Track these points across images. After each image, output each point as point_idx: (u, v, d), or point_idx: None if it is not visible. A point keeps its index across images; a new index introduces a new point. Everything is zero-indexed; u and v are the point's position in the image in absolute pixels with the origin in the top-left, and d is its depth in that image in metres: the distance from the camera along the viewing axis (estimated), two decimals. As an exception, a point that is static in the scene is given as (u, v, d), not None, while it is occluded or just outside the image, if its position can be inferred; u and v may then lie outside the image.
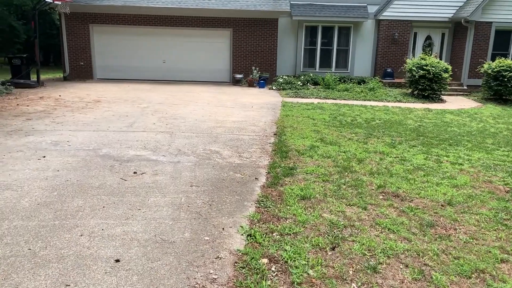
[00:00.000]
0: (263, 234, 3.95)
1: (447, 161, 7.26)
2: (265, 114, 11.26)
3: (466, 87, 18.23)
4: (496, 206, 5.01)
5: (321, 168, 6.22)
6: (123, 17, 17.49)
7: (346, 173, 6.02)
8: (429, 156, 7.53)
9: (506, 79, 15.71)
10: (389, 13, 18.48)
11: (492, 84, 16.07)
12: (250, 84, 17.62)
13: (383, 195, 5.18)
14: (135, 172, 5.73)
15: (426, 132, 10.08)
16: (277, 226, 4.11)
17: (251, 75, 17.73)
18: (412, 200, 5.09)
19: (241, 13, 17.35)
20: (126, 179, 5.43)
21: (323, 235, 3.94)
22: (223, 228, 4.05)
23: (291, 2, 18.17)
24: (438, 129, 10.68)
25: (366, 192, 5.24)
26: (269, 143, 7.81)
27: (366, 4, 18.72)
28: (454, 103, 15.94)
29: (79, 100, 12.52)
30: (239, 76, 17.85)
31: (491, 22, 17.80)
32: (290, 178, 5.66)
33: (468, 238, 4.09)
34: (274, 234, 3.94)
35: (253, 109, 12.20)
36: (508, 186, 5.85)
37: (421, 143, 8.69)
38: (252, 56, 18.06)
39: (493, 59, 17.56)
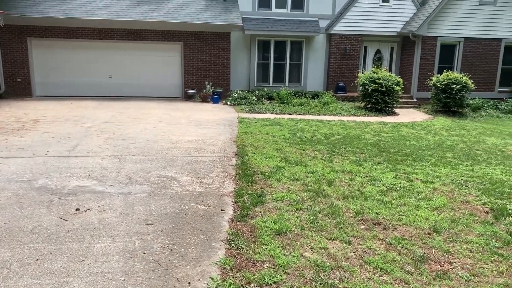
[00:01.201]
0: (239, 288, 3.29)
1: (417, 179, 6.98)
2: (222, 132, 10.64)
3: (416, 100, 18.60)
4: (483, 231, 4.70)
5: (291, 193, 5.69)
6: (65, 30, 16.30)
7: (319, 198, 5.53)
8: (398, 174, 7.24)
9: (454, 92, 16.13)
10: (340, 28, 18.58)
11: (441, 96, 16.44)
12: (204, 100, 16.95)
13: (363, 224, 4.72)
14: (77, 209, 4.88)
15: (387, 147, 9.90)
16: (254, 274, 3.48)
17: (204, 90, 17.07)
18: (395, 228, 4.67)
19: (192, 26, 16.73)
20: (66, 218, 4.59)
21: (310, 283, 3.37)
22: (189, 283, 3.36)
23: (243, 16, 17.80)
24: (397, 143, 10.55)
25: (345, 221, 4.76)
26: (231, 165, 7.19)
27: (317, 19, 18.72)
28: (407, 115, 16.13)
29: (15, 121, 11.28)
30: (191, 91, 17.13)
31: (437, 37, 18.34)
32: (260, 207, 5.07)
33: (468, 275, 3.70)
34: (252, 287, 3.30)
35: (209, 126, 11.55)
36: (486, 206, 5.61)
37: (385, 160, 8.43)
38: (205, 70, 17.43)
39: (439, 72, 18.08)
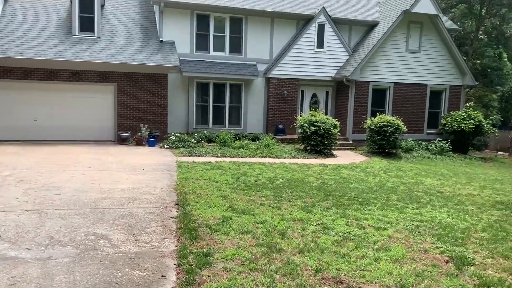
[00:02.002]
0: None
1: (369, 225, 6.71)
2: (160, 178, 9.89)
3: (351, 142, 19.02)
4: (450, 285, 4.40)
5: (242, 249, 5.11)
6: (-17, 68, 14.94)
7: (274, 254, 5.00)
8: (349, 220, 6.94)
9: (387, 134, 16.67)
10: (278, 72, 18.82)
11: (376, 138, 16.91)
12: (139, 143, 16.05)
13: (326, 284, 4.23)
14: (-18, 283, 3.96)
15: (331, 190, 9.69)
16: None
17: (139, 133, 16.21)
18: (360, 287, 4.23)
19: (127, 67, 16.04)
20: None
21: None
22: None
23: (181, 58, 17.45)
24: (341, 186, 10.41)
25: (305, 283, 4.26)
26: (172, 218, 6.48)
27: (255, 63, 18.85)
28: (345, 157, 16.32)
29: None
30: (125, 134, 16.19)
31: (369, 82, 19.14)
32: (208, 270, 4.42)
33: None
34: None
35: (145, 171, 10.74)
36: (445, 254, 5.40)
37: (333, 204, 8.15)
38: (140, 112, 16.64)
39: (372, 115, 18.73)
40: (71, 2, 16.54)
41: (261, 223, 6.33)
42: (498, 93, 24.72)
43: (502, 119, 26.20)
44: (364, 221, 6.96)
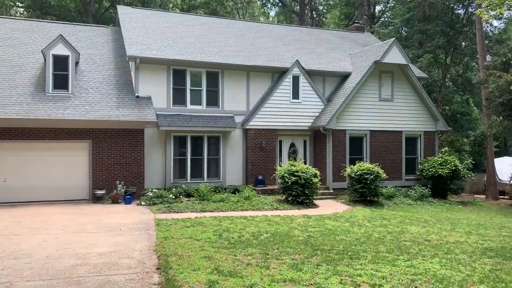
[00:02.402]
0: None
1: (364, 282, 6.41)
2: (138, 239, 9.38)
3: (332, 190, 18.90)
4: None
5: (233, 319, 4.70)
6: (-50, 128, 14.36)
7: (268, 323, 4.61)
8: (342, 278, 6.62)
9: (368, 182, 16.65)
10: (255, 123, 18.87)
11: (357, 186, 16.85)
12: (115, 201, 15.46)
13: None
14: None
15: (319, 244, 9.38)
16: None
17: (115, 190, 15.65)
18: None
19: (103, 123, 15.76)
20: None
21: None
22: None
23: (158, 113, 17.31)
24: (328, 239, 10.12)
25: None
26: (154, 284, 6.02)
27: (233, 115, 18.89)
28: (327, 207, 16.10)
29: None
30: (100, 192, 15.60)
31: (345, 130, 19.38)
32: None
33: None
34: None
35: (123, 232, 10.20)
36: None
37: (323, 260, 7.82)
38: (116, 169, 16.17)
39: (351, 163, 18.81)
40: (45, 60, 16.41)
41: (251, 287, 5.93)
42: (470, 137, 25.42)
43: (474, 162, 26.81)
44: (358, 277, 6.65)
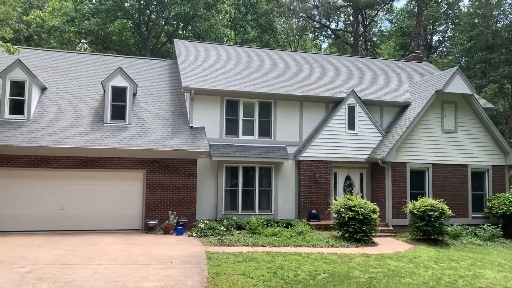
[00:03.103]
0: None
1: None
2: (190, 273, 8.97)
3: (392, 227, 17.70)
4: None
5: None
6: (15, 158, 14.98)
7: None
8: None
9: (432, 219, 15.41)
10: (308, 154, 18.30)
11: (420, 224, 15.64)
12: (167, 231, 15.27)
13: None
14: None
15: (383, 288, 8.50)
16: None
17: (167, 221, 15.50)
18: None
19: (157, 153, 15.86)
20: None
21: None
22: None
23: (211, 143, 17.24)
24: (392, 282, 9.20)
25: None
26: (206, 328, 5.53)
27: (285, 145, 18.47)
28: (387, 245, 15.00)
29: None
30: (153, 222, 15.51)
31: (406, 163, 18.30)
32: None
33: None
34: None
35: (174, 265, 9.85)
36: None
37: (391, 307, 6.99)
38: (169, 199, 16.09)
39: (412, 198, 17.61)
40: (104, 91, 16.95)
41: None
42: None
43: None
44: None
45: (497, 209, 18.08)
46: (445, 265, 11.83)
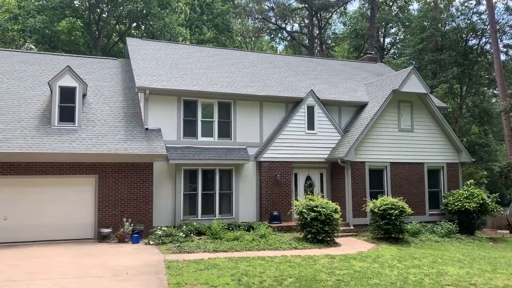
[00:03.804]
0: None
1: None
2: (148, 285, 8.31)
3: (353, 227, 17.68)
4: None
5: None
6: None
7: None
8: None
9: (393, 217, 15.49)
10: (269, 155, 17.95)
11: (381, 223, 15.68)
12: (121, 240, 14.39)
13: None
14: None
15: (352, 291, 8.23)
16: None
17: (122, 229, 14.61)
18: None
19: (110, 157, 14.94)
20: None
21: None
22: None
23: (168, 145, 16.49)
24: (360, 284, 8.97)
25: None
26: None
27: (246, 147, 18.03)
28: (349, 245, 14.91)
29: None
30: (106, 230, 14.57)
31: (365, 162, 18.37)
32: None
33: None
34: None
35: (130, 277, 9.13)
36: None
37: (363, 312, 6.69)
38: (123, 205, 15.20)
39: (372, 197, 17.69)
40: (51, 92, 15.81)
41: None
42: (495, 169, 24.20)
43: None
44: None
45: (452, 206, 18.52)
46: (409, 264, 11.80)
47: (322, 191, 18.97)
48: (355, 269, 10.68)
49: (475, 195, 18.24)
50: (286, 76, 21.01)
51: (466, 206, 17.93)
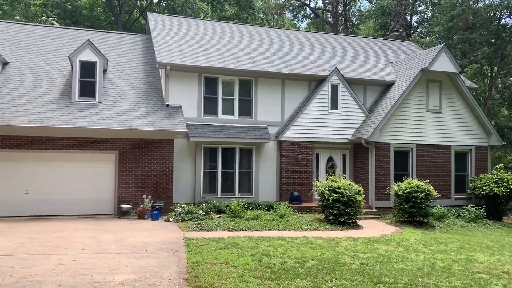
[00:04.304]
0: None
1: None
2: (167, 263, 8.12)
3: (375, 209, 17.25)
4: None
5: None
6: (-30, 137, 13.65)
7: None
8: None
9: (418, 201, 14.97)
10: (290, 134, 17.52)
11: (405, 206, 15.18)
12: (141, 216, 14.33)
13: None
14: None
15: (378, 275, 7.89)
16: None
17: (142, 205, 14.54)
18: None
19: (130, 133, 14.78)
20: None
21: None
22: None
23: (188, 123, 16.24)
24: (386, 268, 8.60)
25: None
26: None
27: (266, 126, 17.64)
28: (372, 228, 14.51)
29: None
30: (126, 206, 14.52)
31: (389, 143, 17.78)
32: None
33: None
34: None
35: (149, 254, 8.98)
36: None
37: (390, 298, 6.34)
38: (143, 182, 15.09)
39: (395, 179, 17.16)
40: (71, 66, 15.65)
41: None
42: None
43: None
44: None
45: (480, 190, 17.86)
46: (435, 248, 11.37)
47: (344, 172, 18.52)
48: (379, 253, 10.32)
49: (505, 179, 17.50)
50: (309, 53, 20.37)
51: (495, 191, 17.25)
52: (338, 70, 18.25)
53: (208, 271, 7.45)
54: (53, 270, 7.29)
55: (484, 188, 17.74)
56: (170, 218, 14.02)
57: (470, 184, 18.63)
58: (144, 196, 14.75)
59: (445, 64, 17.99)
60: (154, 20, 20.59)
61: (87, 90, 15.48)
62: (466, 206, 17.72)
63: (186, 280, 6.87)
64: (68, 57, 15.79)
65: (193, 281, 6.75)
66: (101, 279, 6.76)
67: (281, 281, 6.97)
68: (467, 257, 10.33)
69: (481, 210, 16.93)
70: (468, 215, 16.71)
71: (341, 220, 14.32)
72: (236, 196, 16.89)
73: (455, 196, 18.66)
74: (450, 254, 10.62)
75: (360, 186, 15.12)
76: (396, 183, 16.09)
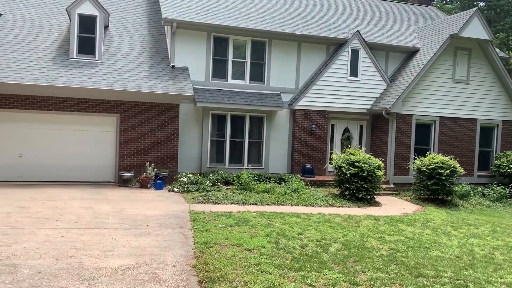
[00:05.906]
0: None
1: None
2: (171, 243, 7.05)
3: (393, 185, 16.13)
4: None
5: None
6: (-40, 94, 12.46)
7: None
8: None
9: (443, 177, 13.79)
10: (305, 103, 16.21)
11: (428, 183, 14.02)
12: (143, 185, 13.28)
13: None
14: None
15: (415, 265, 6.82)
16: None
17: (144, 173, 13.46)
18: None
19: (132, 95, 13.53)
20: None
21: None
22: None
23: (195, 87, 14.95)
24: (422, 257, 7.53)
25: None
26: None
27: (280, 92, 16.31)
28: (391, 205, 13.42)
29: None
30: (127, 174, 13.44)
31: (411, 115, 16.47)
32: None
33: None
34: None
35: (150, 230, 7.92)
36: None
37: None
38: (146, 148, 13.96)
39: (416, 154, 15.96)
40: (70, 20, 14.25)
41: None
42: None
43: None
44: None
45: (506, 168, 16.67)
46: (465, 231, 10.28)
47: (360, 144, 17.29)
48: (406, 235, 9.23)
49: (534, 158, 16.27)
50: (327, 15, 18.75)
51: (523, 170, 16.05)
52: (360, 34, 16.72)
53: (219, 255, 6.36)
54: (37, 249, 6.22)
55: (510, 165, 16.52)
56: (175, 188, 12.96)
57: (495, 161, 17.40)
58: (147, 163, 13.65)
59: (477, 30, 16.42)
60: (160, -27, 18.88)
61: (86, 47, 14.14)
62: (489, 184, 16.58)
63: (194, 267, 5.78)
64: (66, 9, 14.34)
65: (202, 270, 5.64)
66: (91, 264, 5.68)
67: (306, 272, 5.87)
68: (506, 244, 9.24)
69: (508, 189, 15.77)
70: (493, 194, 15.58)
71: (359, 196, 13.22)
72: (245, 167, 15.78)
73: (478, 174, 17.48)
74: (485, 240, 9.53)
75: (380, 160, 13.95)
76: (419, 157, 14.88)
